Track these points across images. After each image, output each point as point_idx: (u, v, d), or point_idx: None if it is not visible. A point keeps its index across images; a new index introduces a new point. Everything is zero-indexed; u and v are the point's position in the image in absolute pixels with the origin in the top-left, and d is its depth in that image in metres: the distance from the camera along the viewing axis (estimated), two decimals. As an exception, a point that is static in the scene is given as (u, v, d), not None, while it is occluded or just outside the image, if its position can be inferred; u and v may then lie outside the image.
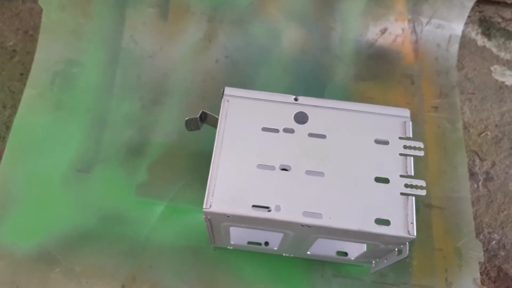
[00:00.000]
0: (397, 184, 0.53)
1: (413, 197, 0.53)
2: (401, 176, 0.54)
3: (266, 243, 0.70)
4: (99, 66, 0.86)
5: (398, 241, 0.53)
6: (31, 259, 0.70)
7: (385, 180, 0.54)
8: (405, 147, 0.56)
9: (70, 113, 0.81)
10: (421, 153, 0.55)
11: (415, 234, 0.51)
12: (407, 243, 0.53)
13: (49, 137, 0.79)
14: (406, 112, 0.58)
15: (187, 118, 0.65)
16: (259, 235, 0.70)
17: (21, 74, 0.88)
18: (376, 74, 0.91)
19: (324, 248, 0.69)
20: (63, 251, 0.71)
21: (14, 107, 0.85)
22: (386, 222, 0.51)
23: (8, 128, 0.83)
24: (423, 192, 0.53)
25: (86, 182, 0.76)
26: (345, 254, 0.69)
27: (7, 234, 0.72)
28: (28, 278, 0.69)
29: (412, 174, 0.54)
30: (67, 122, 0.80)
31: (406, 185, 0.53)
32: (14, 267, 0.69)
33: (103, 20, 0.88)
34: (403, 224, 0.51)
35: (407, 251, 0.53)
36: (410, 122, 0.57)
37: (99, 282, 0.69)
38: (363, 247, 0.69)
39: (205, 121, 0.66)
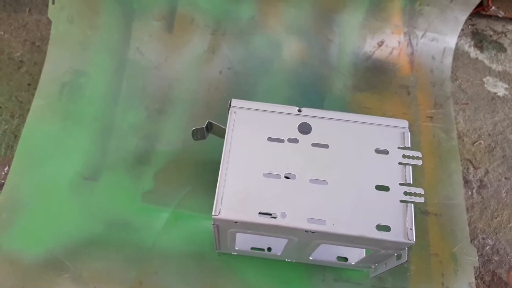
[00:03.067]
0: (397, 192, 0.56)
1: (412, 204, 0.55)
2: (401, 184, 0.56)
3: (269, 249, 0.72)
4: (106, 77, 0.87)
5: (398, 246, 0.55)
6: (39, 265, 0.71)
7: (385, 188, 0.56)
8: (404, 156, 0.58)
9: (78, 122, 0.83)
10: (419, 162, 0.58)
11: (414, 240, 0.53)
12: (406, 248, 0.56)
13: (57, 145, 0.81)
14: (405, 123, 0.61)
15: (193, 128, 0.67)
16: (262, 241, 0.72)
17: (29, 84, 0.90)
18: (373, 85, 0.94)
19: (326, 253, 0.71)
20: (71, 257, 0.72)
21: (22, 117, 0.86)
22: (386, 228, 0.54)
23: (16, 137, 0.85)
24: (421, 200, 0.55)
25: (93, 190, 0.78)
26: (346, 259, 0.71)
27: (16, 240, 0.73)
28: (37, 284, 0.70)
29: (411, 182, 0.57)
30: (75, 131, 0.82)
31: (405, 193, 0.56)
32: (22, 273, 0.70)
33: (110, 32, 0.90)
34: (402, 230, 0.54)
35: (406, 256, 0.56)
36: (409, 133, 0.60)
37: (106, 287, 0.71)
38: (363, 253, 0.71)
39: (210, 131, 0.68)
